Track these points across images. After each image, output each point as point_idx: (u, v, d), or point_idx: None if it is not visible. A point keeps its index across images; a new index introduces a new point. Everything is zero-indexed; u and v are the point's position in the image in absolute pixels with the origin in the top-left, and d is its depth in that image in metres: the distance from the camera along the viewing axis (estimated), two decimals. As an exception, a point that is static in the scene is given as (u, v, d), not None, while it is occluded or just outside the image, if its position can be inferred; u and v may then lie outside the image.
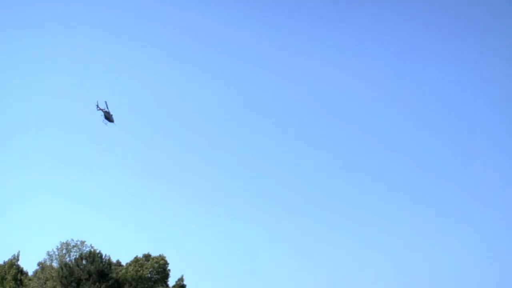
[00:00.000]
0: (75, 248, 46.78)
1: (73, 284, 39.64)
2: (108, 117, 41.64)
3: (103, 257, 42.39)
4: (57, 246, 48.17)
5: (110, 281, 40.39)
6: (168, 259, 48.48)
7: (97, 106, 42.48)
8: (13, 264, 50.79)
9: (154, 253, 49.46)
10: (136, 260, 48.15)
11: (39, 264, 51.76)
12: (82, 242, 45.40)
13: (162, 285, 46.24)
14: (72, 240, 47.51)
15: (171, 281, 49.11)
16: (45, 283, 44.49)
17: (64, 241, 48.06)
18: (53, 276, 43.06)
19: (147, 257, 48.83)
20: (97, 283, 39.23)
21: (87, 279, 39.77)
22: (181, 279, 49.15)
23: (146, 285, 45.24)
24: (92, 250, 43.27)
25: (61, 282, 40.20)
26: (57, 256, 47.30)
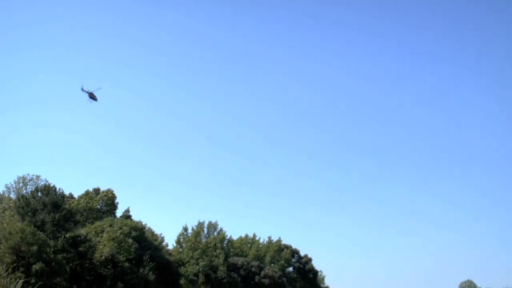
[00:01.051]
0: (31, 181, 51.02)
1: (29, 214, 44.45)
2: (92, 97, 48.09)
3: (57, 190, 46.86)
4: (15, 180, 52.30)
5: (63, 212, 45.51)
6: (116, 193, 54.41)
7: (82, 88, 49.33)
8: (-29, 195, 54.52)
9: (104, 188, 55.21)
10: (87, 193, 53.70)
11: (-3, 196, 55.75)
12: (38, 177, 49.55)
13: (110, 216, 52.37)
14: (28, 174, 51.73)
15: (119, 213, 55.37)
16: (3, 212, 49.12)
17: (21, 176, 52.27)
18: (10, 206, 47.73)
19: (96, 191, 54.43)
20: (51, 213, 44.36)
21: (42, 209, 44.69)
22: (127, 211, 55.56)
23: (96, 215, 51.32)
24: (46, 183, 47.54)
25: (18, 212, 44.93)
26: (15, 189, 51.62)
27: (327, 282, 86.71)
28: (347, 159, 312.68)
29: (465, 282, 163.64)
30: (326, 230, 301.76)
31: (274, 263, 76.62)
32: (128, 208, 55.30)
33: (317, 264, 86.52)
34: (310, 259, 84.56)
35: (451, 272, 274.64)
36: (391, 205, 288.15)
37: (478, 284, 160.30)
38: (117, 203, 53.90)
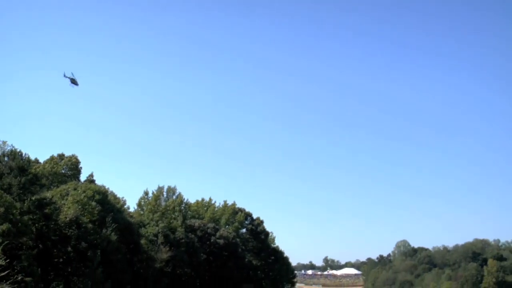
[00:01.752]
0: (-3, 147, 51.76)
1: (-4, 177, 46.25)
2: (74, 82, 50.65)
3: (23, 155, 48.52)
4: (-19, 145, 52.69)
5: (29, 176, 47.50)
6: (80, 158, 56.72)
7: (64, 75, 53.48)
8: None
9: (68, 154, 57.24)
10: (52, 158, 55.56)
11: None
12: (4, 142, 50.56)
13: (74, 180, 54.83)
14: (-6, 140, 52.25)
15: (83, 177, 57.95)
16: (-31, 175, 50.26)
17: (-13, 141, 52.65)
18: (-24, 170, 48.99)
19: (61, 156, 56.40)
20: (17, 177, 46.30)
21: (8, 173, 46.41)
22: (91, 175, 58.22)
23: (61, 179, 53.63)
24: (13, 149, 49.01)
25: (-16, 175, 46.53)
26: (-19, 154, 52.12)
27: (277, 242, 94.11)
28: (299, 124, 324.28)
29: (401, 241, 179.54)
30: (278, 194, 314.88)
31: (228, 225, 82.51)
32: (92, 173, 57.96)
33: (268, 226, 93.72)
34: (262, 222, 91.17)
35: (389, 233, 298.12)
36: (336, 168, 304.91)
37: (412, 244, 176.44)
38: (81, 168, 56.34)
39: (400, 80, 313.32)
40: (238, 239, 79.64)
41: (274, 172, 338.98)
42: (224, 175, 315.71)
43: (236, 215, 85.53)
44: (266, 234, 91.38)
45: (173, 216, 67.35)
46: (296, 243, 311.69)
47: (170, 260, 59.29)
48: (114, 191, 59.46)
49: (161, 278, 57.91)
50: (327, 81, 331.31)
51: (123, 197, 61.74)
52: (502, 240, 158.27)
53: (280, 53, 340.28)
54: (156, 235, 60.02)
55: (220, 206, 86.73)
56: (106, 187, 55.22)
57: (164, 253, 58.30)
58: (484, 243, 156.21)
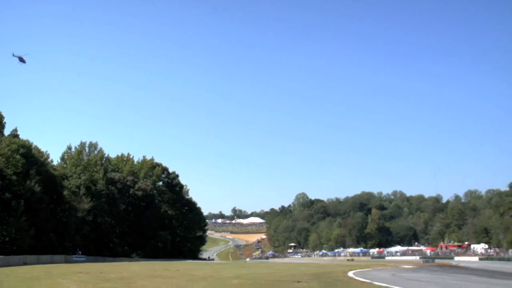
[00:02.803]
0: None
1: None
2: (22, 60, 51.21)
3: None
4: None
5: (-50, 128, 48.05)
6: (4, 113, 56.90)
7: (13, 54, 55.48)
8: None
9: (-11, 108, 56.61)
10: (-27, 112, 55.15)
11: None
12: None
13: (-2, 134, 55.45)
14: None
15: (7, 132, 58.43)
16: None
17: None
18: None
19: (-17, 111, 56.01)
20: None
21: None
22: (15, 130, 58.96)
23: (-16, 133, 53.97)
24: None
25: None
26: None
27: (190, 194, 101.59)
28: (205, 80, 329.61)
29: (300, 194, 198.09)
30: (194, 150, 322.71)
31: (147, 178, 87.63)
32: (16, 128, 58.62)
33: (183, 179, 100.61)
34: (177, 175, 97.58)
35: (290, 186, 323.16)
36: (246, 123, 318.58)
37: (310, 196, 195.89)
38: (5, 123, 56.72)
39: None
40: (155, 191, 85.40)
41: (189, 128, 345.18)
42: (143, 131, 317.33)
43: (154, 169, 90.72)
44: (181, 186, 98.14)
45: (95, 169, 70.74)
46: (207, 194, 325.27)
47: (92, 210, 63.49)
48: (38, 146, 60.95)
49: (83, 226, 62.13)
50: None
51: (46, 151, 63.46)
52: (384, 192, 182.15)
53: None
54: (78, 187, 63.44)
55: (140, 160, 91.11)
56: (30, 141, 56.78)
57: (85, 204, 62.23)
58: (369, 195, 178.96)
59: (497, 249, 79.61)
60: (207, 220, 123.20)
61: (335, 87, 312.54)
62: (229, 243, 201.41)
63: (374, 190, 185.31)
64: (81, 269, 28.99)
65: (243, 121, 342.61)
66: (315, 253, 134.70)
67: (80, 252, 56.61)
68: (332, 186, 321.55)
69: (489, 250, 79.71)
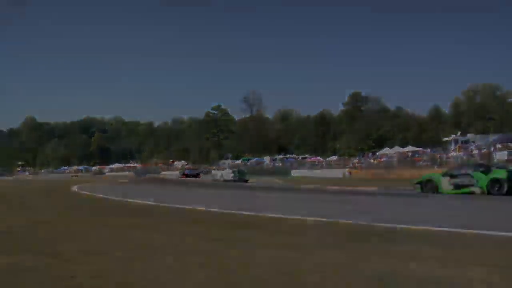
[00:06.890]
0: None
1: None
2: None
3: None
4: None
5: None
6: None
7: None
8: None
9: None
10: None
11: None
12: None
13: None
14: None
15: None
16: None
17: None
18: None
19: None
20: None
21: None
22: None
23: None
24: None
25: None
26: None
27: None
28: None
29: (28, 116, 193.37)
30: None
31: None
32: None
33: None
34: None
35: (17, 108, 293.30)
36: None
37: (38, 119, 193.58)
38: None
39: None
40: None
41: None
42: None
43: None
44: None
45: None
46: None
47: None
48: None
49: None
50: None
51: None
52: (107, 117, 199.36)
53: None
54: None
55: None
56: None
57: None
58: (94, 120, 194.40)
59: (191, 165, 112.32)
60: None
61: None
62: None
63: (98, 115, 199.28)
64: None
65: None
66: (42, 171, 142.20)
67: None
68: (62, 110, 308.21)
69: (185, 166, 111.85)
